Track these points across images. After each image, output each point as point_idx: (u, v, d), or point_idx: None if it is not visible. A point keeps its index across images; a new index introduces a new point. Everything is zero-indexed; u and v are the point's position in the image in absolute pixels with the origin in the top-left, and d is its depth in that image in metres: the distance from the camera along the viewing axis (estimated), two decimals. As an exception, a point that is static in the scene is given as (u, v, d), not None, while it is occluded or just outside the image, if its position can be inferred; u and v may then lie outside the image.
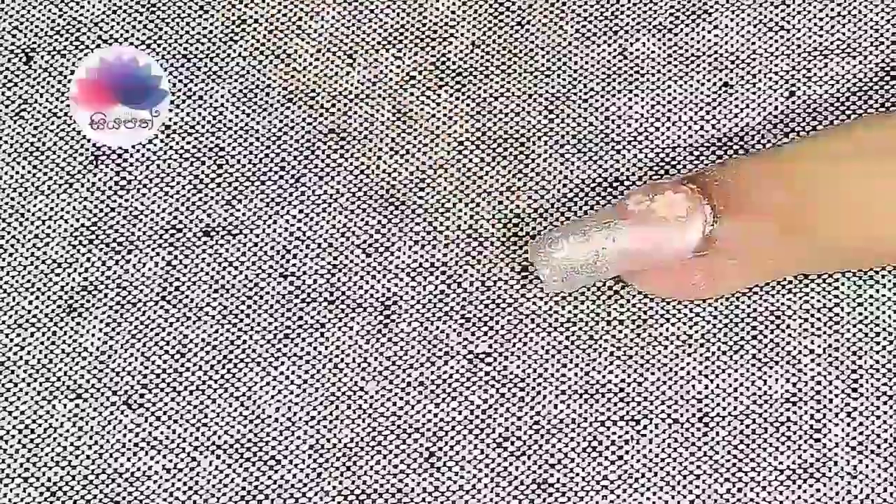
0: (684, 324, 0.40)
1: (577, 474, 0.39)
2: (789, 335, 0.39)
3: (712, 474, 0.39)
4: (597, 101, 0.42)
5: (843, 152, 0.37)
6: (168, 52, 0.43)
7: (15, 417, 0.40)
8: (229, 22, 0.43)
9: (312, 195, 0.41)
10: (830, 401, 0.39)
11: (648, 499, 0.39)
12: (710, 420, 0.39)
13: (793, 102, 0.41)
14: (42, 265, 0.41)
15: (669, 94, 0.42)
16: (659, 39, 0.42)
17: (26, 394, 0.40)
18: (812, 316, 0.40)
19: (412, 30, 0.43)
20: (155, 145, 0.42)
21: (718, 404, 0.39)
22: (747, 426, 0.39)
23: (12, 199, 0.41)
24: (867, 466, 0.39)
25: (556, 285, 0.38)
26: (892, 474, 0.38)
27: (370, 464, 0.39)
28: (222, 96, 0.42)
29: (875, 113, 0.41)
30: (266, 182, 0.41)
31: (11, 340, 0.40)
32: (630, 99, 0.42)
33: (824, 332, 0.39)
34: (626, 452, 0.39)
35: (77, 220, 0.41)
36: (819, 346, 0.39)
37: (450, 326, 0.40)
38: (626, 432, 0.39)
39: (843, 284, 0.40)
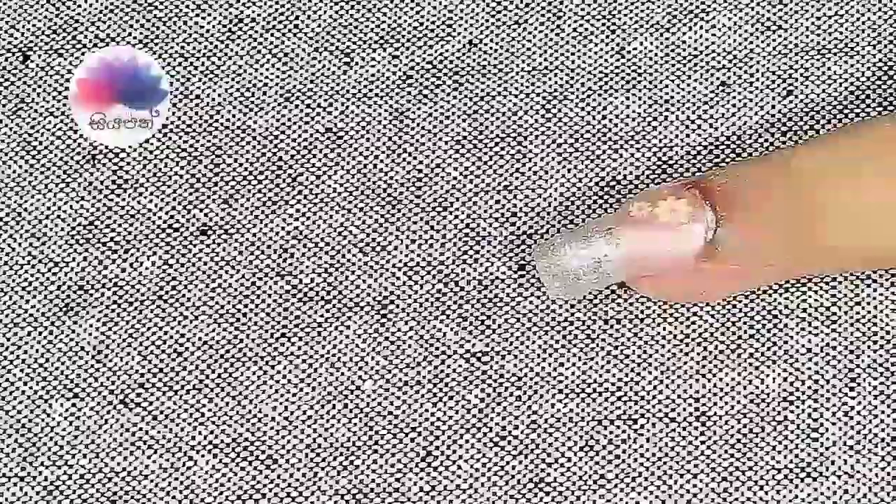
0: (681, 323, 0.40)
1: (574, 473, 0.39)
2: (786, 334, 0.39)
3: (709, 473, 0.39)
4: (594, 100, 0.42)
5: (847, 156, 0.37)
6: (164, 50, 0.42)
7: (11, 416, 0.40)
8: (226, 21, 0.43)
9: (309, 194, 0.41)
10: (828, 399, 0.39)
11: (645, 497, 0.38)
12: (707, 419, 0.39)
13: (790, 102, 0.41)
14: (39, 264, 0.41)
15: (667, 94, 0.42)
16: (656, 39, 0.42)
17: (23, 392, 0.40)
18: (809, 315, 0.40)
19: (409, 29, 0.43)
20: (152, 144, 0.42)
21: (715, 403, 0.39)
22: (744, 425, 0.39)
23: (9, 197, 0.41)
24: (864, 465, 0.38)
25: (560, 292, 0.38)
26: (888, 473, 0.38)
27: (367, 463, 0.39)
28: (219, 95, 0.42)
29: (875, 115, 0.41)
30: (263, 181, 0.41)
31: (8, 339, 0.40)
32: (627, 98, 0.42)
33: (821, 332, 0.39)
34: (623, 451, 0.39)
35: (74, 218, 0.41)
36: (816, 346, 0.39)
37: (447, 325, 0.40)
38: (623, 431, 0.39)
39: (840, 284, 0.40)
